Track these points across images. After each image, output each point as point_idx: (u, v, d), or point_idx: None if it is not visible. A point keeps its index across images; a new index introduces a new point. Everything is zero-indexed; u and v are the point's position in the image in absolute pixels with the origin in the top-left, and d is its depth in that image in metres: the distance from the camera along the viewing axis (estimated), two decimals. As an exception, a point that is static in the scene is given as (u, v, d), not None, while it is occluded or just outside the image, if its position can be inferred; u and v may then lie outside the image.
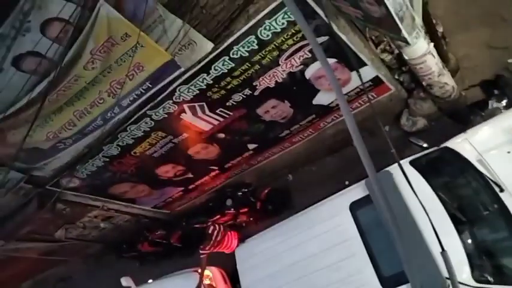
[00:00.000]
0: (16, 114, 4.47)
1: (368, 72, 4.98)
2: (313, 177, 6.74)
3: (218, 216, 7.01)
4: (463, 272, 3.69)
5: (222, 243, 5.90)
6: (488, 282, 3.72)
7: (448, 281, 3.56)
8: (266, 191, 7.09)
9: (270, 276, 5.03)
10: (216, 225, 6.05)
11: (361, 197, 4.64)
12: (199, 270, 5.84)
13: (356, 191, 4.75)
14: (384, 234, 3.87)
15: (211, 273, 6.42)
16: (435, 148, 4.70)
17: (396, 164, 3.42)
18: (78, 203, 6.80)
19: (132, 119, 5.17)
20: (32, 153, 5.30)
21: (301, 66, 4.78)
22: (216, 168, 6.86)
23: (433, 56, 4.60)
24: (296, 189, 6.97)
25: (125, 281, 6.86)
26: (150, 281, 6.87)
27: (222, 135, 5.89)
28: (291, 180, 7.21)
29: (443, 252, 2.90)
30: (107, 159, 5.84)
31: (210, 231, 5.91)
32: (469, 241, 3.90)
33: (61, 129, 4.96)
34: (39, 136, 4.99)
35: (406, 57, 4.60)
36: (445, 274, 3.53)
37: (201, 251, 5.76)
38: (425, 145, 4.96)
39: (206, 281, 6.21)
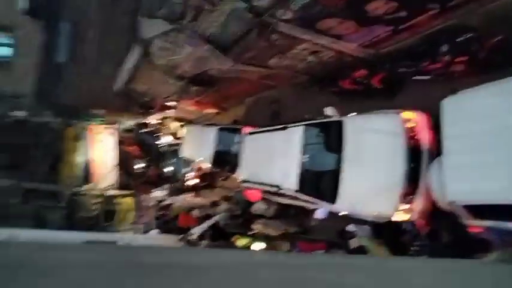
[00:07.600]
0: None
1: None
2: None
3: (427, 63, 6.36)
4: None
5: None
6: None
7: None
8: (496, 39, 5.71)
9: (477, 133, 4.58)
10: None
11: None
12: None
13: None
14: None
15: (417, 117, 6.26)
16: None
17: None
18: (290, 36, 7.28)
19: None
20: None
21: None
22: (435, 6, 5.86)
23: None
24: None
25: (329, 110, 7.55)
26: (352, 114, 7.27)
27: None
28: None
29: None
30: (319, -8, 5.76)
31: None
32: None
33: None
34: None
35: None
36: None
37: None
38: None
39: (410, 124, 6.18)
